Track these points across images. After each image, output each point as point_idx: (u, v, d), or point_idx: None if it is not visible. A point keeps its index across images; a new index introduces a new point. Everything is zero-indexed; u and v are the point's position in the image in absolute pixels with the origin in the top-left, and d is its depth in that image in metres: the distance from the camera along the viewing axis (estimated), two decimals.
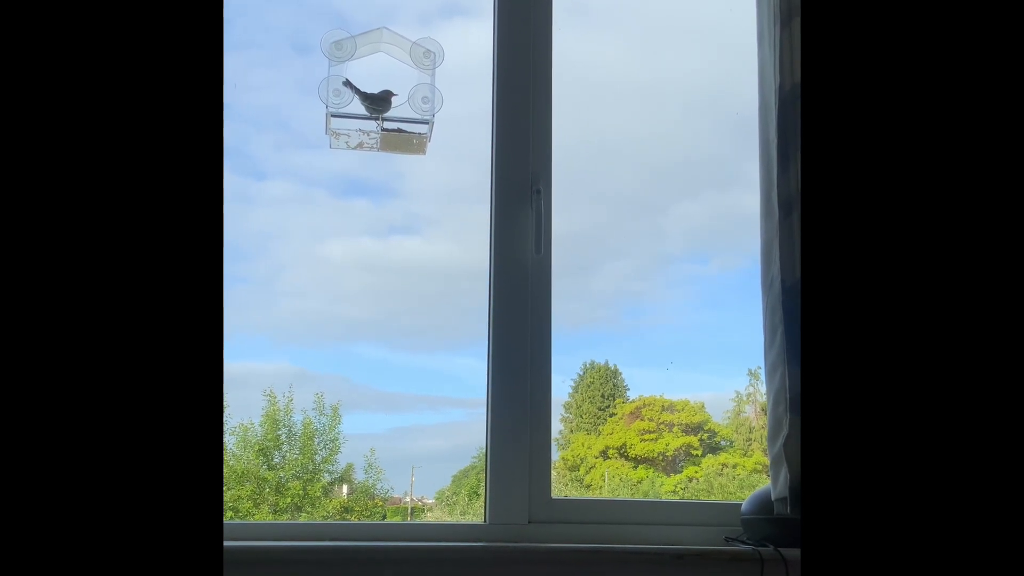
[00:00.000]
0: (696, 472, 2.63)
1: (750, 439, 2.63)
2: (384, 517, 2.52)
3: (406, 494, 2.61)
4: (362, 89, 1.67)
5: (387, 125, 1.68)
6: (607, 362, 2.69)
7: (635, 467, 2.65)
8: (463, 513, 2.54)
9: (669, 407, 2.69)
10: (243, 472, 2.35)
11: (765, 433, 1.49)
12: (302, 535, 1.48)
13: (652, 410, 2.68)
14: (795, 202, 1.45)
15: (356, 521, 2.34)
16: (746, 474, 2.56)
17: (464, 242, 2.22)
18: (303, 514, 2.37)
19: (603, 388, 2.68)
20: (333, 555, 1.41)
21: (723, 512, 1.61)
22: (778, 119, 1.49)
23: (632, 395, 2.72)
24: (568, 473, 2.67)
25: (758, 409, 2.58)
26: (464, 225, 2.19)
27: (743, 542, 1.51)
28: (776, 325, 1.46)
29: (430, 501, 2.66)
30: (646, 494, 2.63)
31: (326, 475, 2.46)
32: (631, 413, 2.68)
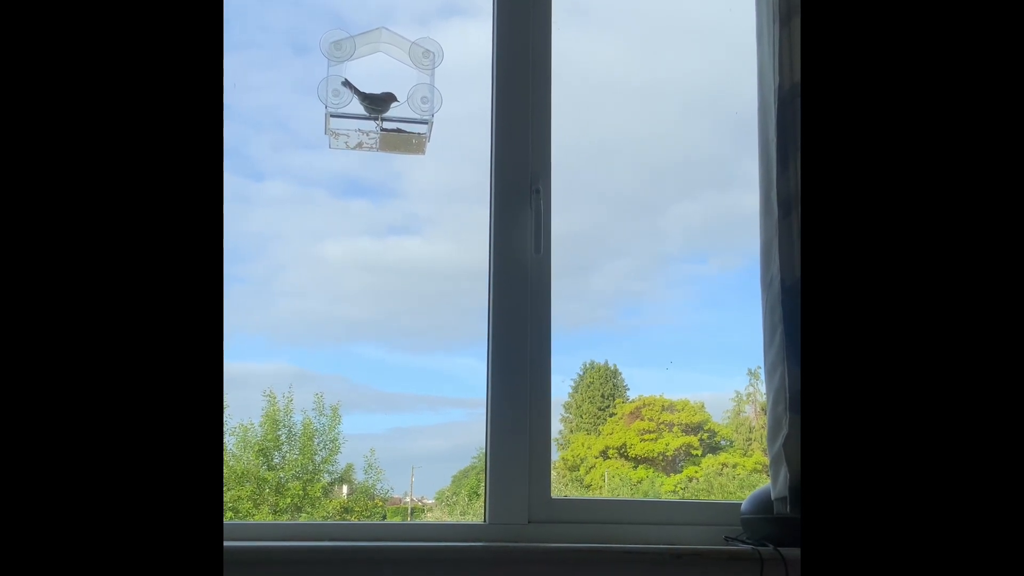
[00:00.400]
0: (696, 472, 2.63)
1: (750, 439, 2.63)
2: (384, 517, 2.51)
3: (406, 494, 2.61)
4: (361, 89, 1.67)
5: (386, 125, 1.68)
6: (607, 362, 2.69)
7: (635, 467, 2.64)
8: (463, 513, 2.53)
9: (669, 407, 2.69)
10: (243, 472, 2.35)
11: (765, 432, 1.49)
12: (302, 535, 1.48)
13: (652, 410, 2.68)
14: (794, 202, 1.45)
15: (356, 521, 2.34)
16: (746, 474, 2.56)
17: (463, 242, 2.22)
18: (303, 514, 2.37)
19: (603, 388, 2.68)
20: (333, 555, 1.41)
21: (723, 512, 1.61)
22: (777, 119, 1.48)
23: (632, 395, 2.72)
24: (568, 473, 2.67)
25: (758, 409, 2.58)
26: (463, 225, 2.19)
27: (743, 542, 1.51)
28: (776, 324, 1.46)
29: (430, 501, 2.66)
30: (646, 494, 2.63)
31: (326, 475, 2.45)
32: (631, 413, 2.68)
